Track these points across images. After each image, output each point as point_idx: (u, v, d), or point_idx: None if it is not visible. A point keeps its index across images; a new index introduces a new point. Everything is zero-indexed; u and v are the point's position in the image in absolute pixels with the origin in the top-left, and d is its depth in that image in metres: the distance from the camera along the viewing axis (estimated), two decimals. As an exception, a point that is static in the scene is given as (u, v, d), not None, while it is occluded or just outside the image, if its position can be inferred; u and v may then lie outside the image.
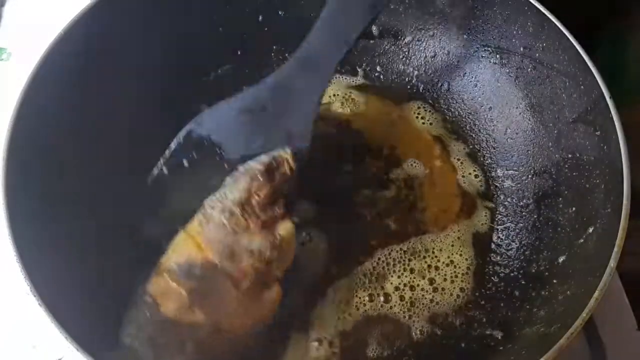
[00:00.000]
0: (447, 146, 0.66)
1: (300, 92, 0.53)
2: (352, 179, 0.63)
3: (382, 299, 0.56)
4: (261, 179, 0.50)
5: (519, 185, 0.62)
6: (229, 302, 0.47)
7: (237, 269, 0.47)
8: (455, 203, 0.62)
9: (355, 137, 0.66)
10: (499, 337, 0.53)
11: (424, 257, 0.58)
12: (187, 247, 0.48)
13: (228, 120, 0.53)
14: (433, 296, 0.56)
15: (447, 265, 0.58)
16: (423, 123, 0.67)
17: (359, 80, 0.70)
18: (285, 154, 0.51)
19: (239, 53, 0.68)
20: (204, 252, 0.48)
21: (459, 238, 0.60)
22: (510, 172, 0.63)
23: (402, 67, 0.70)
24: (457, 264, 0.58)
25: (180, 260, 0.48)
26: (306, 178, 0.53)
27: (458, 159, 0.65)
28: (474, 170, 0.64)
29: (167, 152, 0.52)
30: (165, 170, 0.52)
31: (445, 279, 0.57)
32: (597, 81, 0.52)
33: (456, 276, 0.58)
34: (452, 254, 0.59)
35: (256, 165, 0.51)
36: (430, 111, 0.68)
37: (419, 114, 0.68)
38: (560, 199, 0.57)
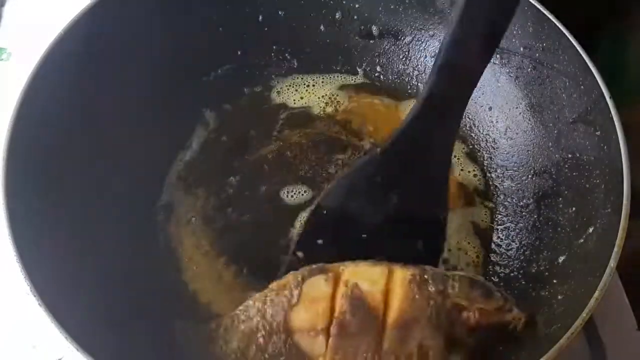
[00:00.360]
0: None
1: (428, 143, 0.47)
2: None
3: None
4: (485, 307, 0.45)
5: (519, 185, 0.62)
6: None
7: (399, 345, 0.43)
8: (455, 203, 0.62)
9: (353, 136, 0.66)
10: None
11: None
12: (376, 282, 0.44)
13: (354, 189, 0.48)
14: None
15: (459, 249, 0.59)
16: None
17: (359, 79, 0.70)
18: (521, 315, 0.46)
19: (239, 53, 0.68)
20: (387, 300, 0.44)
21: (460, 225, 0.60)
22: (510, 172, 0.63)
23: (402, 67, 0.70)
24: (467, 252, 0.59)
25: (360, 285, 0.44)
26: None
27: (457, 159, 0.65)
28: (474, 170, 0.64)
29: (295, 238, 0.49)
30: (300, 255, 0.50)
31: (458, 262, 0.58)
32: (597, 81, 0.52)
33: (467, 264, 0.58)
34: (461, 241, 0.59)
35: (496, 293, 0.46)
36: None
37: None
38: (560, 199, 0.57)
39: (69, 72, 0.53)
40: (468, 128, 0.66)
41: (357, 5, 0.68)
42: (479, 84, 0.64)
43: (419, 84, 0.69)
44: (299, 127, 0.66)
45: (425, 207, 0.49)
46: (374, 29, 0.69)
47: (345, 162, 0.64)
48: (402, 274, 0.45)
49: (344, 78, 0.70)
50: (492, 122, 0.65)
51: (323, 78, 0.70)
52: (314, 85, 0.69)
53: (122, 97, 0.57)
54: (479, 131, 0.66)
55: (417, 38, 0.68)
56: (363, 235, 0.49)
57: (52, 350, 0.55)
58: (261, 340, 0.44)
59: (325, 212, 0.49)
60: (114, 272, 0.52)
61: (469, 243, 0.59)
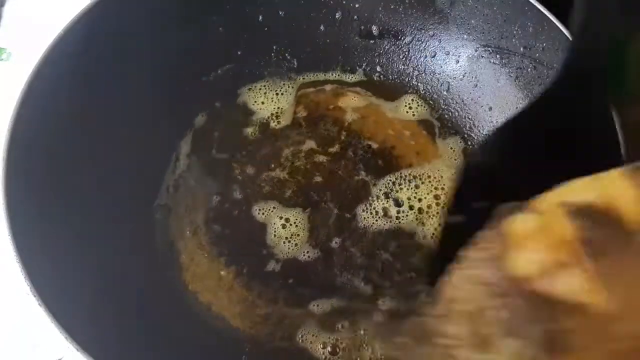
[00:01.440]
0: (447, 146, 0.66)
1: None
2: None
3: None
4: None
5: (519, 185, 0.62)
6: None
7: None
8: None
9: (354, 137, 0.66)
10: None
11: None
12: (591, 190, 0.35)
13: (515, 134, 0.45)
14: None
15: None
16: (413, 115, 0.67)
17: (359, 79, 0.70)
18: None
19: (239, 53, 0.68)
20: (615, 202, 0.34)
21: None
22: (510, 172, 0.63)
23: (402, 67, 0.70)
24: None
25: (579, 200, 0.35)
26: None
27: (456, 160, 0.65)
28: (474, 170, 0.64)
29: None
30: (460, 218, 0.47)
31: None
32: (597, 81, 0.52)
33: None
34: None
35: None
36: (427, 109, 0.68)
37: (412, 108, 0.68)
38: (560, 199, 0.57)
39: (69, 72, 0.53)
40: (468, 128, 0.66)
41: (357, 5, 0.68)
42: (478, 84, 0.65)
43: (419, 84, 0.69)
44: (296, 126, 0.67)
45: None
46: (374, 29, 0.69)
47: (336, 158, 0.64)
48: (609, 175, 0.36)
49: (344, 78, 0.70)
50: (492, 122, 0.65)
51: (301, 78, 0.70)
52: (290, 86, 0.69)
53: (122, 97, 0.57)
54: (479, 131, 0.66)
55: (417, 38, 0.68)
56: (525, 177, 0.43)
57: (52, 350, 0.55)
58: (494, 311, 0.33)
59: (478, 167, 0.45)
60: (114, 272, 0.52)
61: (469, 243, 0.59)
